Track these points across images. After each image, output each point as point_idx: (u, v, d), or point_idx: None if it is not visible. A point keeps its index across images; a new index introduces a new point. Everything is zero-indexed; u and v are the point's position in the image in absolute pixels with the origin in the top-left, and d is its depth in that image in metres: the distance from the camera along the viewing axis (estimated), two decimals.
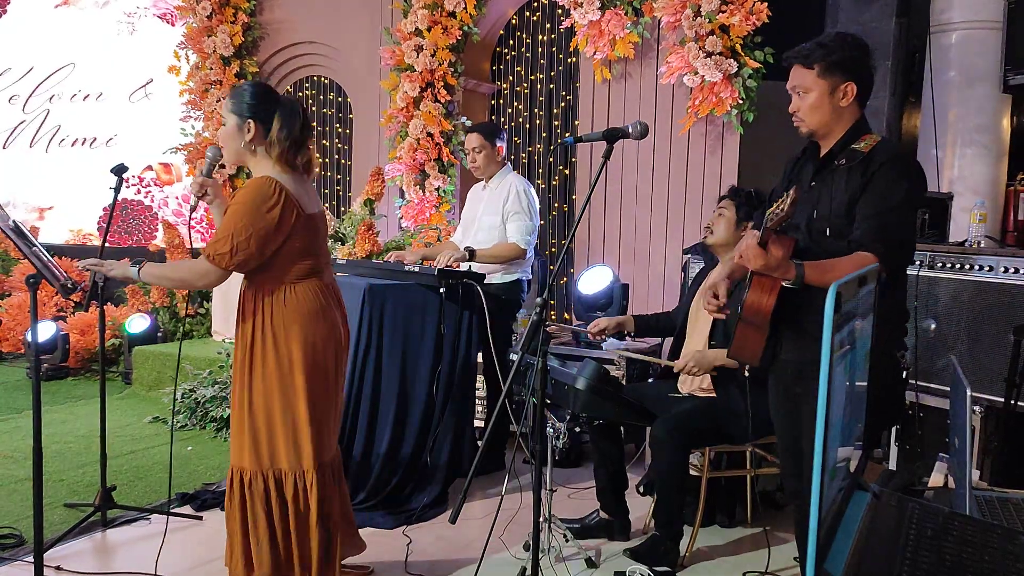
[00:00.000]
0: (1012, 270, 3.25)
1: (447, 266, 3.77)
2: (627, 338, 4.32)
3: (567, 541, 3.12)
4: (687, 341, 3.39)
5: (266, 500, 2.50)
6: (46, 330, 5.79)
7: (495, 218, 4.05)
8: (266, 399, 2.50)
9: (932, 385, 3.46)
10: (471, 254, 3.91)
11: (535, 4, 5.73)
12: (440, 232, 5.32)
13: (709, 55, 4.59)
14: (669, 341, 3.57)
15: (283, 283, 2.50)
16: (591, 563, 3.06)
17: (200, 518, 3.39)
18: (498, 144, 4.08)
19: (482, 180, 4.18)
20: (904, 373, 2.39)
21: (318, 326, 2.52)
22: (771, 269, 2.10)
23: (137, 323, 5.79)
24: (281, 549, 2.52)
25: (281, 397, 2.50)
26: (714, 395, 3.18)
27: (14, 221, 2.77)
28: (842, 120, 2.26)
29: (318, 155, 6.69)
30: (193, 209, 2.80)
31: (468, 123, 5.45)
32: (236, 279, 2.56)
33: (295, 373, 2.49)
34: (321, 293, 2.55)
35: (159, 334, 5.92)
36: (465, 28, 5.55)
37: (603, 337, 3.53)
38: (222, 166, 5.81)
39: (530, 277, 4.22)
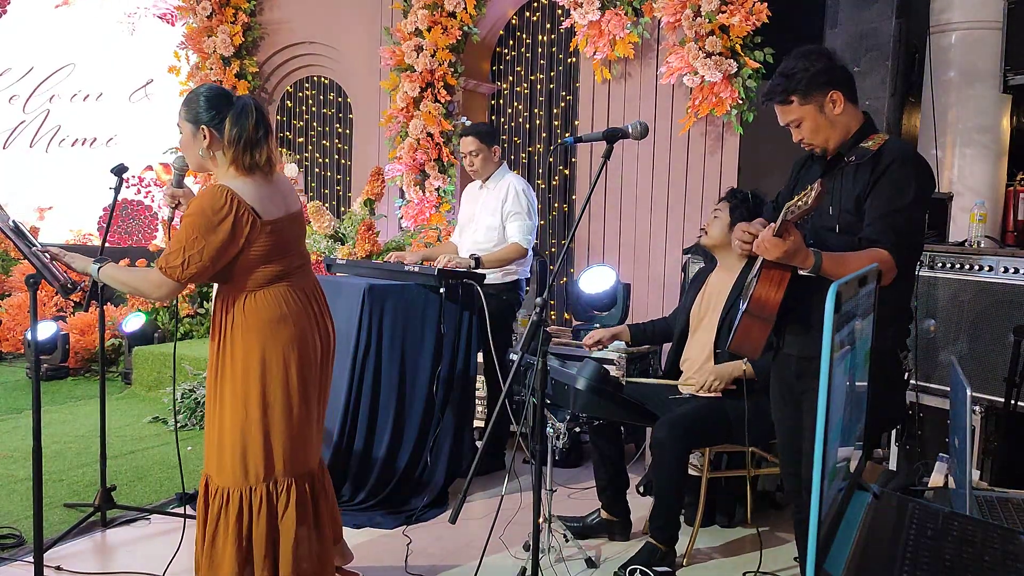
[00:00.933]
0: (1012, 270, 3.25)
1: (447, 267, 3.77)
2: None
3: (567, 541, 3.12)
4: (690, 340, 3.38)
5: (236, 515, 2.44)
6: (46, 330, 5.79)
7: (494, 219, 4.04)
8: (220, 413, 2.43)
9: (932, 385, 3.46)
10: (477, 262, 3.90)
11: (535, 4, 5.73)
12: (440, 232, 5.32)
13: (709, 55, 4.58)
14: (667, 344, 3.57)
15: (244, 292, 2.40)
16: (591, 563, 3.06)
17: None
18: (494, 145, 4.08)
19: (478, 180, 4.18)
20: (906, 375, 2.38)
21: (279, 334, 2.40)
22: (790, 255, 2.07)
23: (132, 322, 5.78)
24: (235, 561, 2.45)
25: (233, 412, 2.41)
26: (715, 395, 3.17)
27: (14, 221, 2.76)
28: (845, 123, 2.26)
29: (318, 155, 6.70)
30: (170, 220, 2.79)
31: (468, 123, 5.45)
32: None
33: (250, 384, 2.40)
34: (286, 299, 2.42)
35: (156, 334, 5.92)
36: (465, 28, 5.55)
37: (599, 348, 3.49)
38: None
39: (528, 276, 4.21)
